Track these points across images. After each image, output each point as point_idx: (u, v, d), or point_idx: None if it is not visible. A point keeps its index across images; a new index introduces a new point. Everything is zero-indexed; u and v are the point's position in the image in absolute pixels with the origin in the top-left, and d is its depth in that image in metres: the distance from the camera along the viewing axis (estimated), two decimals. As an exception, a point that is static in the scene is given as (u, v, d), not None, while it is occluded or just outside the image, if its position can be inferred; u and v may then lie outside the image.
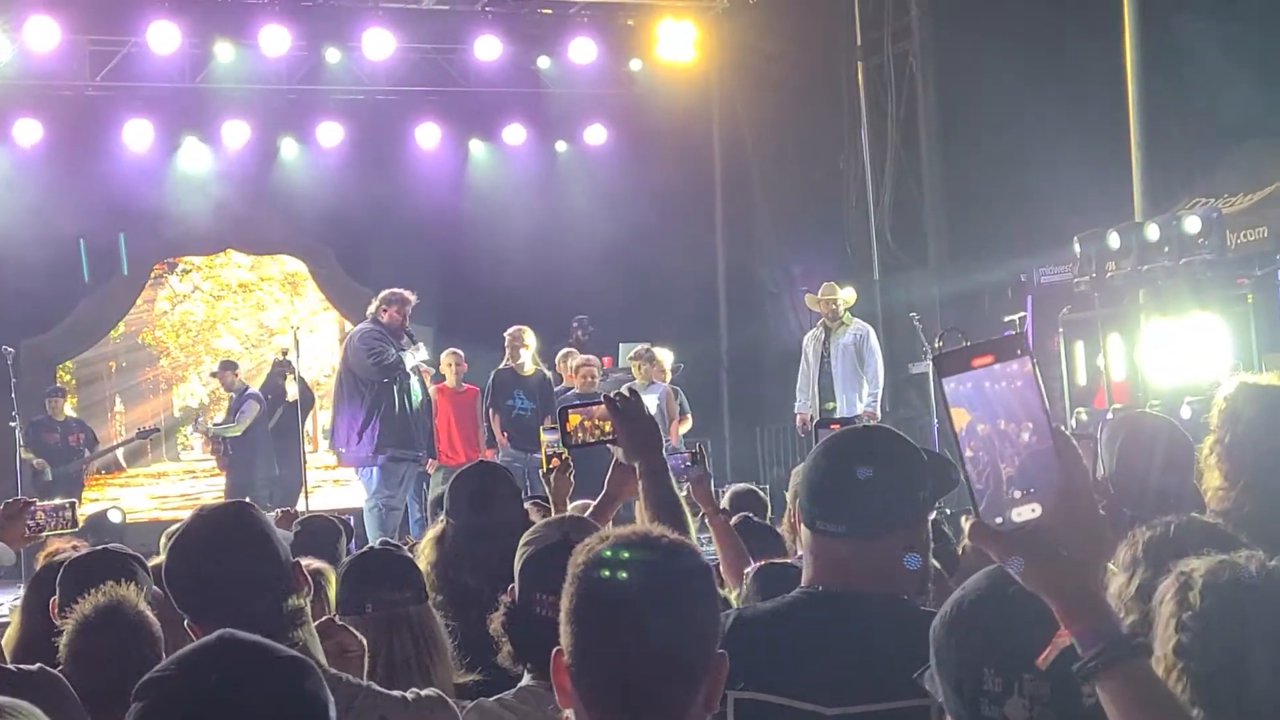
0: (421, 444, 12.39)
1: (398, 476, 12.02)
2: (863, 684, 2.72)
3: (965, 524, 1.83)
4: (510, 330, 13.57)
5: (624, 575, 2.14)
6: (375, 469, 11.99)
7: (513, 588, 3.54)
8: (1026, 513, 1.77)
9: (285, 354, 15.04)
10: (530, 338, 13.50)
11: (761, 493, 7.17)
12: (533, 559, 3.53)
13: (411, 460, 12.20)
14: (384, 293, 12.28)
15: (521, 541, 3.62)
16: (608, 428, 4.28)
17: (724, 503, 6.50)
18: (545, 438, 7.90)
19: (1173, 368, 11.12)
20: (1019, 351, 1.77)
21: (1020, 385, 1.76)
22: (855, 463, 2.85)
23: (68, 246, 15.92)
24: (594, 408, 4.44)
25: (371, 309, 12.26)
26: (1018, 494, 1.77)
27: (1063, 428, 1.81)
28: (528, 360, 13.43)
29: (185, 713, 1.85)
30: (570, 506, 6.07)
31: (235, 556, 3.05)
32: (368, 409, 11.94)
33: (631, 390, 4.34)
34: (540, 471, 5.70)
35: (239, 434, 14.77)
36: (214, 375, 15.95)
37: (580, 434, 4.50)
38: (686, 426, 13.81)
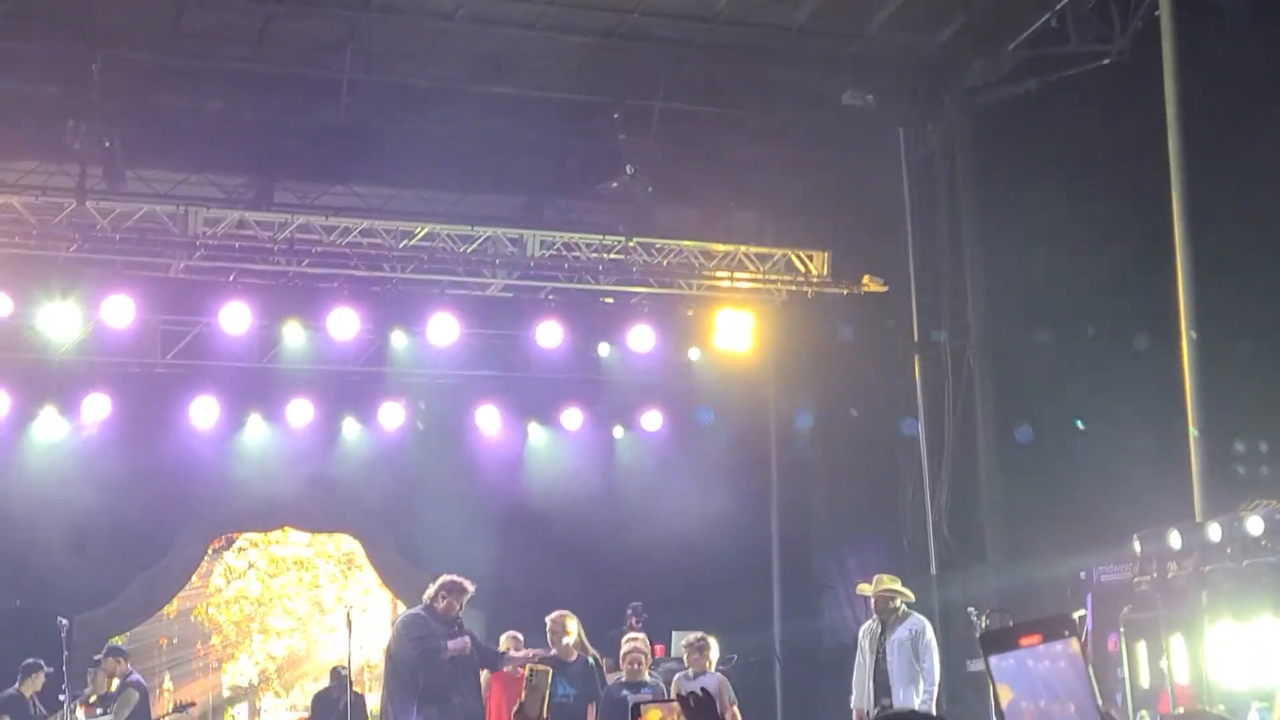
0: None
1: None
2: None
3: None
4: (552, 616, 13.44)
5: None
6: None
7: None
8: None
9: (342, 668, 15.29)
10: (573, 624, 13.35)
11: None
12: None
13: None
14: (443, 579, 12.21)
15: None
16: None
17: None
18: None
19: (1239, 671, 10.89)
20: (1065, 632, 1.76)
21: (1064, 665, 1.74)
22: None
23: (131, 519, 16.05)
24: (669, 704, 4.50)
25: (429, 594, 12.20)
26: None
27: (1112, 712, 1.78)
28: (570, 646, 13.28)
29: None
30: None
31: None
32: (405, 692, 11.82)
33: (705, 690, 4.35)
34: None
35: None
36: (97, 661, 15.27)
37: None
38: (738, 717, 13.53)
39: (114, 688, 14.65)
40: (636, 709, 4.79)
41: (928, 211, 16.48)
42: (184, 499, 16.91)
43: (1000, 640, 1.77)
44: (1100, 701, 1.76)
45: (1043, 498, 14.64)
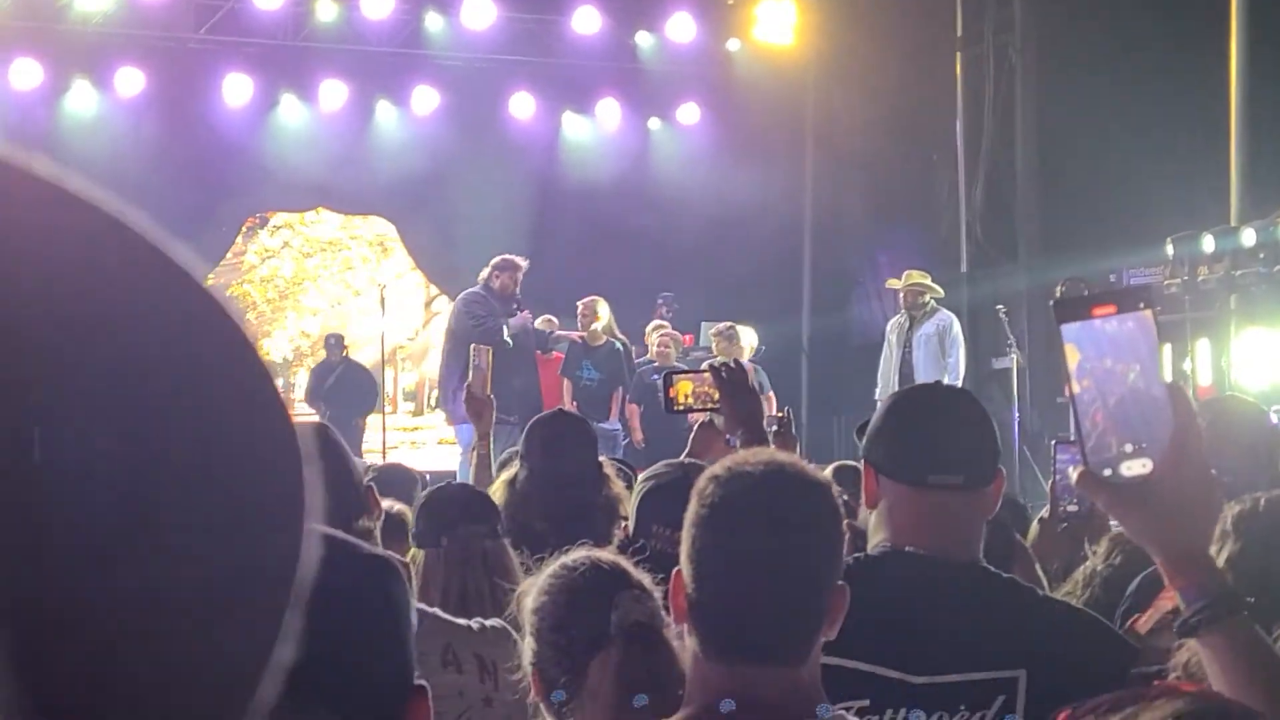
0: (514, 407, 12.32)
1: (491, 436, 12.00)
2: (951, 652, 2.66)
3: (1073, 473, 1.83)
4: (583, 300, 13.61)
5: (751, 507, 2.12)
6: (468, 426, 12.10)
7: (626, 524, 3.57)
8: (1137, 467, 1.75)
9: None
10: (603, 309, 13.50)
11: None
12: (652, 493, 3.59)
13: (502, 423, 12.15)
14: (497, 258, 12.37)
15: (640, 478, 3.67)
16: (715, 396, 4.36)
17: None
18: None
19: (1261, 375, 11.00)
20: (1142, 305, 1.77)
21: (1132, 328, 1.75)
22: (958, 414, 2.85)
23: (164, 196, 16.11)
24: (702, 375, 4.55)
25: (483, 275, 12.34)
26: (1129, 448, 1.75)
27: (1180, 383, 1.81)
28: (599, 331, 13.45)
29: None
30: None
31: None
32: (463, 370, 12.05)
33: (738, 362, 4.40)
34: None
35: None
36: None
37: (686, 399, 4.61)
38: (771, 404, 13.75)
39: None
40: (669, 379, 4.83)
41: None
42: (218, 177, 16.90)
43: (1074, 308, 1.78)
44: (1164, 368, 1.77)
45: (1078, 198, 14.58)
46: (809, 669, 2.12)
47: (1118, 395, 1.75)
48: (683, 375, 4.69)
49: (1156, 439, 1.75)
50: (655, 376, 12.76)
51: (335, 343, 15.92)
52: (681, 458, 4.83)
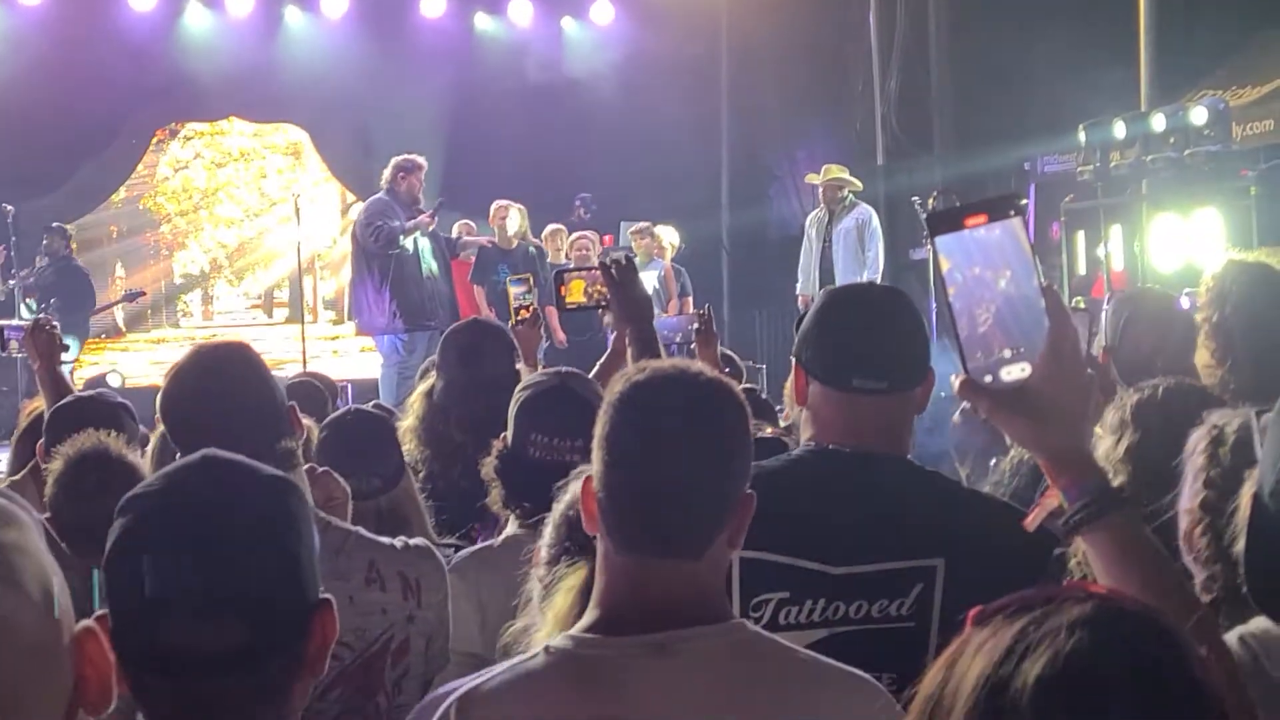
0: (435, 312, 12.24)
1: (412, 344, 12.00)
2: (870, 543, 2.70)
3: (954, 381, 1.85)
4: (495, 204, 13.55)
5: (661, 403, 2.15)
6: (389, 337, 12.03)
7: (505, 434, 3.56)
8: (1016, 371, 1.78)
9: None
10: (515, 212, 13.45)
11: (740, 362, 6.92)
12: (529, 402, 3.56)
13: (424, 329, 12.11)
14: (395, 160, 12.22)
15: (518, 388, 3.66)
16: (608, 293, 4.37)
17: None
18: (512, 289, 8.05)
19: (1173, 259, 11.13)
20: (1011, 212, 1.80)
21: (1000, 235, 1.78)
22: (885, 317, 2.86)
23: (69, 109, 15.81)
24: (593, 273, 4.57)
25: (385, 178, 12.19)
26: (1007, 353, 1.78)
27: (1053, 286, 1.83)
28: (513, 234, 13.41)
29: (168, 526, 1.83)
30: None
31: (232, 391, 3.00)
32: (377, 280, 11.97)
33: (628, 258, 4.41)
34: (509, 325, 5.59)
35: None
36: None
37: (578, 297, 4.63)
38: (689, 308, 13.79)
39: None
40: (560, 277, 4.87)
41: None
42: (127, 87, 16.60)
43: (946, 220, 1.80)
44: (1040, 270, 1.80)
45: (992, 89, 14.62)
46: (707, 565, 2.16)
47: (991, 302, 1.78)
48: (574, 273, 4.74)
49: (1033, 343, 1.78)
50: (569, 277, 12.71)
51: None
52: (602, 359, 4.86)
